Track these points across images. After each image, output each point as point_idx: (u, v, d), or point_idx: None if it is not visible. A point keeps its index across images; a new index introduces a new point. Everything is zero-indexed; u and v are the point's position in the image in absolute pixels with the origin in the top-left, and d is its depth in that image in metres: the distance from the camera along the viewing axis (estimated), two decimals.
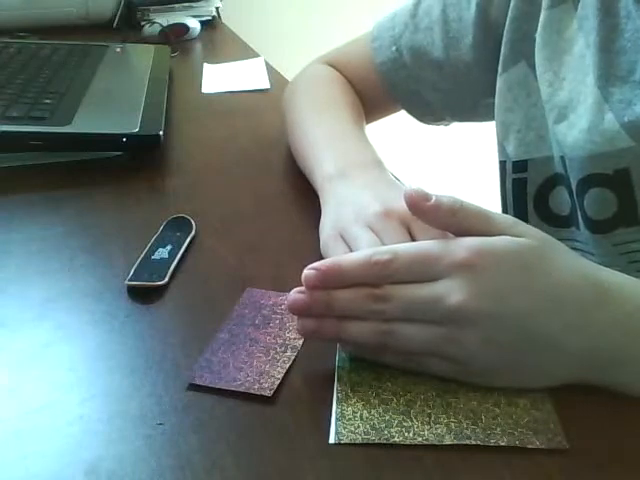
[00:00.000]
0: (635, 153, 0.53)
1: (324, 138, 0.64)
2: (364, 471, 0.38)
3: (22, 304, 0.51)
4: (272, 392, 0.42)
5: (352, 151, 0.61)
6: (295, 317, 0.45)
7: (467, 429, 0.40)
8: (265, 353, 0.45)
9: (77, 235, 0.60)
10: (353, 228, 0.49)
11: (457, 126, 0.81)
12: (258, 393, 0.42)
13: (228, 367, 0.44)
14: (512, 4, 0.62)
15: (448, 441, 0.39)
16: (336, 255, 0.47)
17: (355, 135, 0.64)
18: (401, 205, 0.44)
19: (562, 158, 0.58)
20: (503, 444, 0.39)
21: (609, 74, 0.54)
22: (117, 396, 0.42)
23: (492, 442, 0.39)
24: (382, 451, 0.39)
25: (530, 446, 0.39)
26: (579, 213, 0.58)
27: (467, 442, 0.39)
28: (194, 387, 0.43)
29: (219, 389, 0.43)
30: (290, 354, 0.46)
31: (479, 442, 0.39)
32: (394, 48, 0.73)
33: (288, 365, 0.45)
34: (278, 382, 0.43)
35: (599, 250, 0.57)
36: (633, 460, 0.39)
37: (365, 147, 0.62)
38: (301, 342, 0.47)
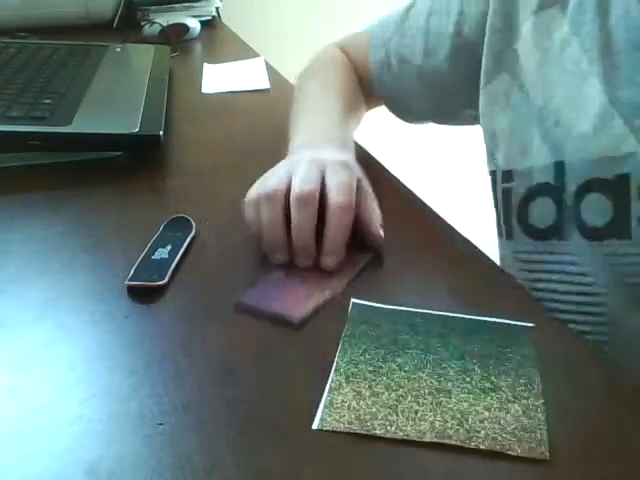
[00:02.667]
0: (638, 158, 0.53)
1: (305, 114, 0.72)
2: (364, 471, 0.38)
3: (22, 304, 0.51)
4: (297, 321, 0.48)
5: (320, 127, 0.68)
6: (346, 268, 0.54)
7: (451, 429, 0.40)
8: (307, 290, 0.52)
9: (77, 235, 0.60)
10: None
11: (454, 133, 0.83)
12: (287, 320, 0.48)
13: (268, 295, 0.51)
14: (488, 22, 0.64)
15: (428, 438, 0.39)
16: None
17: (331, 113, 0.71)
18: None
19: (557, 164, 0.58)
20: (483, 448, 0.39)
21: (614, 78, 0.55)
22: (117, 396, 0.43)
23: (472, 445, 0.39)
24: (382, 451, 0.39)
25: (510, 453, 0.39)
26: (573, 219, 0.57)
27: (447, 442, 0.39)
28: (239, 308, 0.50)
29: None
30: (328, 294, 0.51)
31: (459, 443, 0.39)
32: (384, 51, 0.76)
33: (319, 303, 0.50)
34: (305, 313, 0.49)
35: (588, 259, 0.57)
36: (632, 464, 0.39)
37: (332, 125, 0.69)
38: (341, 290, 0.52)
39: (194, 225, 0.60)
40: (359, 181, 0.56)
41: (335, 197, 0.53)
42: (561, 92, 0.57)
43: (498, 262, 0.68)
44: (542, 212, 0.60)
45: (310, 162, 0.55)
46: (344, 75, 0.80)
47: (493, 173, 0.65)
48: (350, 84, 0.79)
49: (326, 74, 0.80)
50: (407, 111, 0.80)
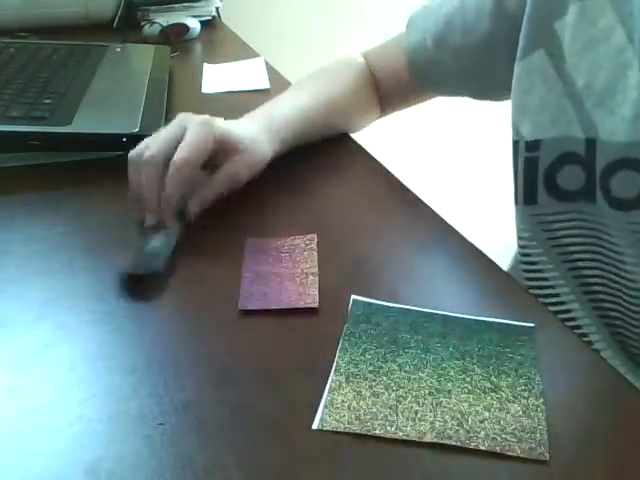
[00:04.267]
0: None
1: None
2: (364, 471, 0.38)
3: (22, 304, 0.51)
4: (317, 304, 0.50)
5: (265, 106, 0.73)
6: (302, 253, 0.57)
7: (450, 429, 0.40)
8: (292, 280, 0.53)
9: (77, 235, 0.60)
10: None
11: (453, 134, 0.83)
12: (306, 307, 0.50)
13: (268, 294, 0.51)
14: None
15: (428, 439, 0.39)
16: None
17: (285, 97, 0.77)
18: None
19: (589, 140, 0.61)
20: (483, 449, 0.39)
21: None
22: (117, 396, 0.43)
23: (472, 445, 0.39)
24: (383, 451, 0.39)
25: (510, 453, 0.39)
26: (600, 190, 0.61)
27: (447, 442, 0.39)
28: (246, 313, 0.50)
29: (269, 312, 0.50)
30: (313, 278, 0.53)
31: (459, 443, 0.39)
32: (421, 34, 0.78)
33: (317, 285, 0.52)
34: (317, 297, 0.51)
35: (612, 224, 0.61)
36: (632, 464, 0.39)
37: (274, 105, 0.74)
38: (316, 270, 0.54)
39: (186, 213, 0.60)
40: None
41: (176, 153, 0.58)
42: (605, 75, 0.60)
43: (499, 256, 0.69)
44: (572, 177, 0.63)
45: (175, 122, 0.62)
46: (343, 75, 0.81)
47: (516, 143, 0.67)
48: (347, 83, 0.81)
49: (321, 72, 0.83)
50: (442, 90, 0.82)
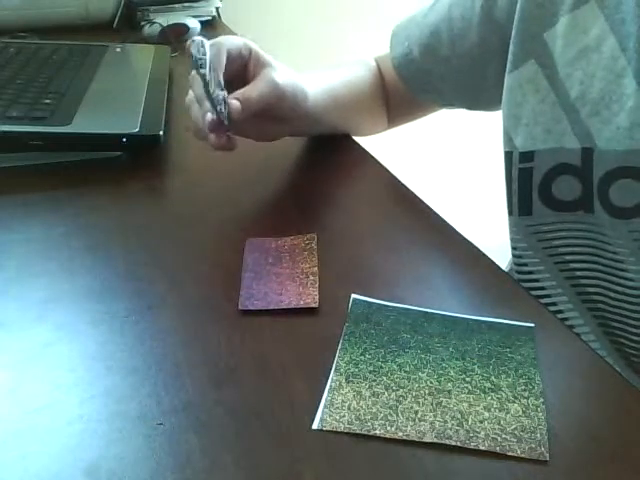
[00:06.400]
0: None
1: None
2: (364, 471, 0.38)
3: (22, 304, 0.51)
4: (317, 304, 0.50)
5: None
6: (302, 252, 0.57)
7: (450, 429, 0.40)
8: (292, 280, 0.53)
9: (77, 235, 0.60)
10: None
11: (453, 135, 0.82)
12: (306, 307, 0.50)
13: (268, 294, 0.51)
14: (518, 6, 0.64)
15: (428, 439, 0.39)
16: None
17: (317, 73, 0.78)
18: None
19: (586, 150, 0.61)
20: (483, 449, 0.39)
21: None
22: (117, 396, 0.43)
23: (472, 445, 0.39)
24: (383, 451, 0.39)
25: (510, 453, 0.39)
26: (598, 199, 0.61)
27: (447, 442, 0.39)
28: (247, 313, 0.50)
29: (269, 312, 0.50)
30: (313, 278, 0.53)
31: (459, 443, 0.39)
32: (406, 44, 0.78)
33: (317, 285, 0.52)
34: (317, 296, 0.51)
35: (614, 233, 0.61)
36: (632, 464, 0.39)
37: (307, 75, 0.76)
38: (316, 269, 0.54)
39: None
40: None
41: None
42: (599, 85, 0.59)
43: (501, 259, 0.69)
44: (567, 187, 0.63)
45: None
46: (346, 68, 0.82)
47: (509, 154, 0.67)
48: (350, 69, 0.81)
49: (341, 65, 0.83)
50: (436, 97, 0.81)
